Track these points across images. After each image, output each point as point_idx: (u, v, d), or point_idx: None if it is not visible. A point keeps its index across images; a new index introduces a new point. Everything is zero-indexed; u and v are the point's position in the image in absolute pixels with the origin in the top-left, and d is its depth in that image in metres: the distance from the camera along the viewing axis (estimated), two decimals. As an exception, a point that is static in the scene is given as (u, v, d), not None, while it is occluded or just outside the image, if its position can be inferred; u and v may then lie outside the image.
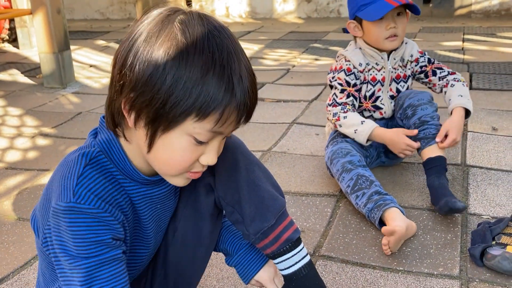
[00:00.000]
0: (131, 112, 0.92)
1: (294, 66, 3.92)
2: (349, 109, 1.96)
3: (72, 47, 3.83)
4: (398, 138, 1.89)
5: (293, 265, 1.19)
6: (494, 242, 1.53)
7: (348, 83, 1.98)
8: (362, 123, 1.93)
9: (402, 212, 1.66)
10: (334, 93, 2.00)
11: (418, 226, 1.72)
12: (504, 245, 1.50)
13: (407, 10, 1.95)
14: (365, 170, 1.83)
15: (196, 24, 0.90)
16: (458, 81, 2.01)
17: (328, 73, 2.06)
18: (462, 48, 4.14)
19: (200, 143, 0.93)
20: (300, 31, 5.27)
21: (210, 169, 1.11)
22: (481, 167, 2.11)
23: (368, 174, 1.81)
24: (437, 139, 1.86)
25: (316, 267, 1.47)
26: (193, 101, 0.87)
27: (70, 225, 0.90)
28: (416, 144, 1.88)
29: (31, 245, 1.74)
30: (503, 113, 2.69)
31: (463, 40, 4.42)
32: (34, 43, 4.73)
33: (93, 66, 4.22)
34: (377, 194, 1.74)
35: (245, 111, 0.93)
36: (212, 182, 1.12)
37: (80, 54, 4.57)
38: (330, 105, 1.99)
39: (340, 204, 1.90)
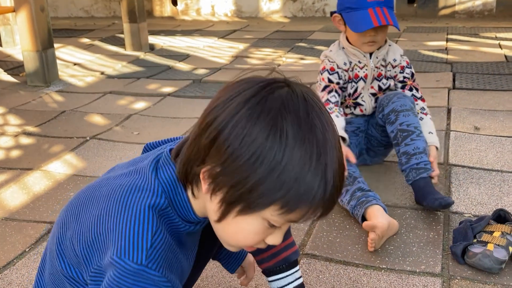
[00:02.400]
0: (210, 184, 0.84)
1: (279, 65, 3.92)
2: (330, 108, 1.95)
3: (56, 45, 3.80)
4: None
5: (285, 285, 1.18)
6: (475, 240, 1.55)
7: (330, 81, 1.99)
8: None
9: (384, 209, 1.68)
10: (319, 95, 2.01)
11: (400, 225, 1.74)
12: (485, 243, 1.52)
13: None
14: (350, 166, 1.84)
15: (300, 109, 0.82)
16: (426, 114, 2.01)
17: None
18: (446, 48, 4.18)
19: (272, 226, 0.87)
20: (285, 30, 5.28)
21: None
22: (463, 166, 2.14)
23: (352, 171, 1.82)
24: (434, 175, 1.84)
25: (300, 265, 1.47)
26: (283, 194, 0.80)
27: (133, 285, 0.85)
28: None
29: (14, 245, 1.73)
30: (485, 113, 2.73)
31: (447, 40, 4.46)
32: (17, 41, 4.68)
33: (77, 64, 4.19)
34: (359, 190, 1.75)
35: (329, 208, 0.85)
36: None
37: (64, 52, 4.54)
38: None
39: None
